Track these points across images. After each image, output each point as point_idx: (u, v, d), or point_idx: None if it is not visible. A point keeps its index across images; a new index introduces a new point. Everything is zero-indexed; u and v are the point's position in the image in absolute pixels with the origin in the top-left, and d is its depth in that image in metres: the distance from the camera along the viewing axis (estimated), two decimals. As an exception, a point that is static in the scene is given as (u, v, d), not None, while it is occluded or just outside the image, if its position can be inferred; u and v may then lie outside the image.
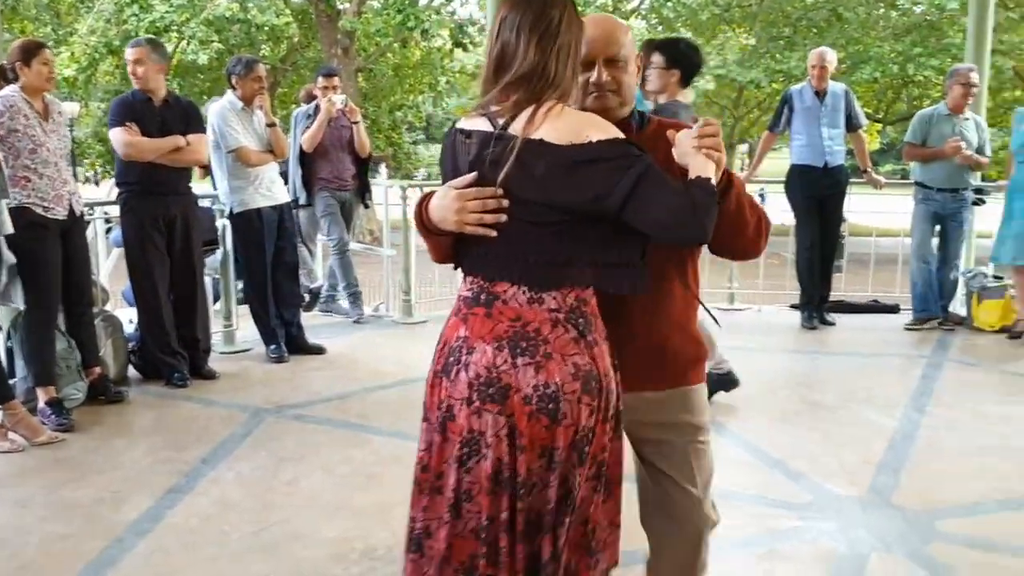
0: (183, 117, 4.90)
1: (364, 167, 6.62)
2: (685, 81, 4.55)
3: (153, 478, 3.68)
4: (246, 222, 5.36)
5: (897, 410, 4.55)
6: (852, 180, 6.69)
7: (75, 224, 4.46)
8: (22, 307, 4.30)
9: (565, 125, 1.73)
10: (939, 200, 6.32)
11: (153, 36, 6.61)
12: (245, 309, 5.77)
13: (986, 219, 6.95)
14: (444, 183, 1.89)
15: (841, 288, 7.20)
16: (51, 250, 4.27)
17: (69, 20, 19.10)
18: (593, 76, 1.97)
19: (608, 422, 1.86)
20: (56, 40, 17.57)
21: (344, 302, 6.68)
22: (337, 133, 6.41)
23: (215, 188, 5.71)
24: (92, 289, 4.72)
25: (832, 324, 6.52)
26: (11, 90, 4.22)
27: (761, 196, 11.22)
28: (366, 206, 6.91)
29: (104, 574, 2.92)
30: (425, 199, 1.93)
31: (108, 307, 5.33)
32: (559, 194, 1.73)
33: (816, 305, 6.51)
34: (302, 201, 6.38)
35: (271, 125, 5.39)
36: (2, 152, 4.11)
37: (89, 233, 5.17)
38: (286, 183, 6.03)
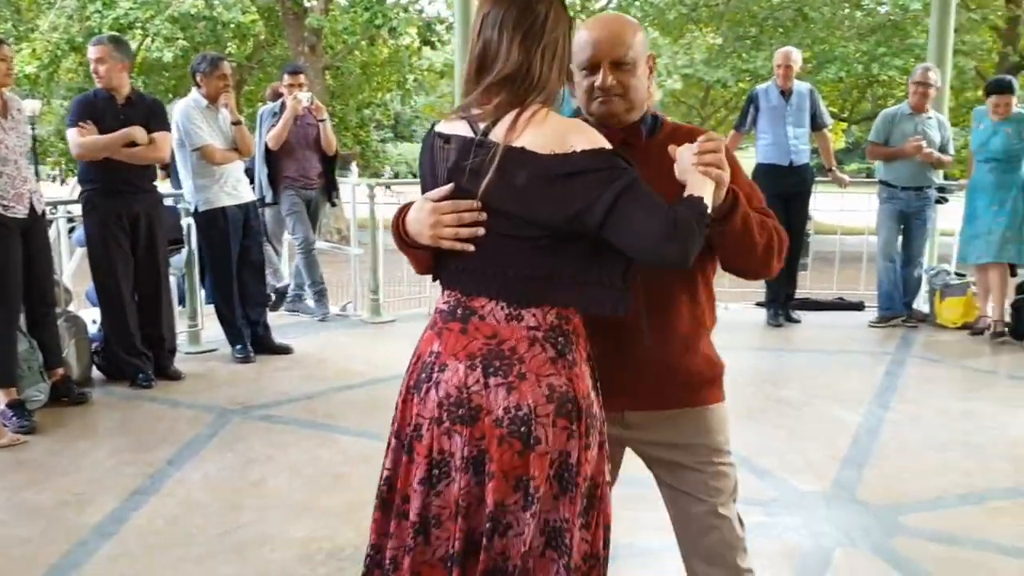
0: (147, 115, 4.85)
1: (331, 165, 6.60)
2: None
3: (117, 480, 3.64)
4: (211, 221, 5.32)
5: (861, 406, 4.60)
6: (817, 179, 6.77)
7: (36, 223, 4.39)
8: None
9: (549, 132, 1.64)
10: (903, 198, 6.40)
11: (116, 33, 6.53)
12: (211, 309, 5.73)
13: (949, 217, 7.05)
14: (423, 188, 1.81)
15: (806, 286, 7.28)
16: (12, 250, 4.21)
17: (30, 16, 18.81)
18: (598, 80, 1.88)
19: (590, 448, 1.73)
20: (17, 36, 17.29)
21: (311, 301, 6.64)
22: (303, 131, 6.38)
23: (176, 187, 5.66)
24: (55, 289, 4.66)
25: (797, 322, 6.59)
26: (-31, 87, 4.15)
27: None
28: (333, 204, 6.88)
29: (67, 578, 2.88)
30: (403, 211, 1.85)
31: (71, 308, 5.26)
32: (539, 208, 1.63)
33: (782, 303, 6.57)
34: (268, 200, 6.34)
35: (236, 123, 5.34)
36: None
37: (52, 232, 5.10)
38: (252, 182, 5.99)
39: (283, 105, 6.31)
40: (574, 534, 1.72)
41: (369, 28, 15.93)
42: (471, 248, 1.70)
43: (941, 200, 6.64)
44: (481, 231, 1.68)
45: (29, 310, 4.45)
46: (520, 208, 1.64)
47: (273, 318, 6.04)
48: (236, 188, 5.38)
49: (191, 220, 5.44)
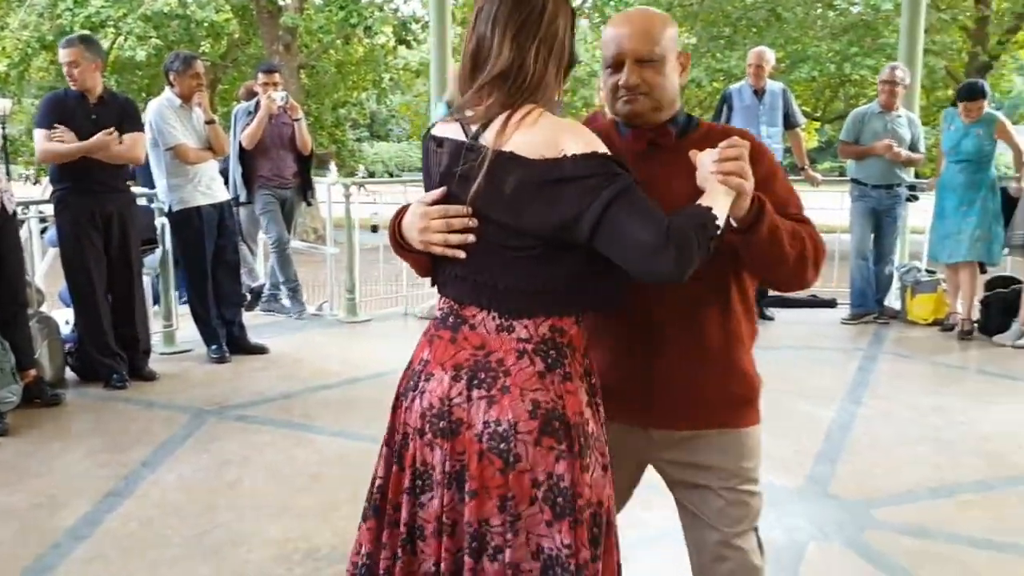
0: (119, 115, 4.81)
1: (306, 164, 6.58)
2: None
3: (91, 482, 3.61)
4: (185, 220, 5.29)
5: (834, 402, 4.65)
6: (790, 178, 6.80)
7: (7, 223, 4.35)
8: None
9: (540, 135, 1.54)
10: (874, 196, 6.47)
11: (87, 32, 6.46)
12: (185, 309, 5.70)
13: (920, 215, 7.13)
14: (426, 191, 1.75)
15: (780, 283, 7.32)
16: (-17, 250, 4.17)
17: (0, 14, 18.60)
18: (622, 78, 1.77)
19: (589, 471, 1.61)
20: (-14, 35, 17.10)
21: (286, 300, 6.62)
22: (278, 130, 6.36)
23: (147, 188, 5.63)
24: (27, 290, 4.62)
25: (771, 319, 6.64)
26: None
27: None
28: (308, 204, 6.87)
29: (41, 580, 2.87)
30: (400, 213, 1.77)
31: (44, 308, 5.22)
32: (528, 216, 1.54)
33: (755, 300, 6.61)
34: (242, 199, 6.32)
35: (210, 122, 5.32)
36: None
37: (23, 232, 5.05)
38: (226, 181, 5.96)
39: (257, 104, 6.29)
40: (583, 563, 1.58)
41: (344, 27, 15.85)
42: (462, 255, 1.63)
43: (912, 198, 6.72)
44: (471, 238, 1.61)
45: (0, 311, 4.41)
46: (509, 216, 1.56)
47: (248, 318, 6.01)
48: (210, 187, 5.36)
49: (165, 220, 5.40)
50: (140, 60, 16.37)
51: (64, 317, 5.16)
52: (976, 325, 6.18)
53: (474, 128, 1.61)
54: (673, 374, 1.84)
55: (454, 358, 1.63)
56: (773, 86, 6.56)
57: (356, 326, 6.46)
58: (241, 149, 6.27)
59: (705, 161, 1.63)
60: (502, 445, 1.56)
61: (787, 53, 16.36)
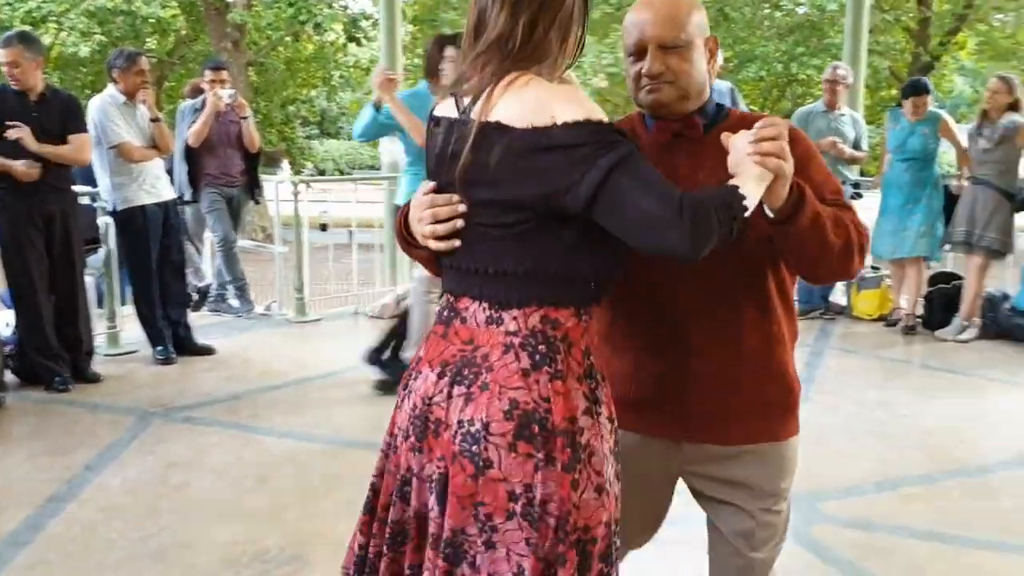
0: (62, 114, 4.72)
1: (253, 163, 6.51)
2: None
3: (33, 486, 3.53)
4: (130, 220, 5.20)
5: (782, 398, 4.70)
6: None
7: (-56, 223, 4.24)
8: None
9: (529, 102, 1.41)
10: (820, 194, 6.56)
11: (26, 29, 6.29)
12: (130, 309, 5.60)
13: (864, 213, 7.23)
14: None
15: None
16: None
17: (-63, 8, 18.13)
18: (645, 66, 1.65)
19: (579, 489, 1.43)
20: (-77, 29, 16.64)
21: (234, 300, 6.54)
22: (225, 128, 6.28)
23: (82, 184, 5.52)
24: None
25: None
26: None
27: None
28: (256, 202, 6.79)
29: (-21, 588, 2.80)
30: (407, 208, 1.65)
31: (-18, 310, 5.10)
32: (512, 187, 1.42)
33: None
34: (187, 198, 6.23)
35: (155, 120, 5.23)
36: None
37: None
38: (172, 180, 5.88)
39: (204, 102, 6.20)
40: None
41: (293, 24, 15.70)
42: (455, 243, 1.52)
43: (856, 196, 6.82)
44: (460, 224, 1.50)
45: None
46: (495, 191, 1.44)
47: (195, 318, 5.93)
48: (155, 186, 5.27)
49: (109, 219, 5.30)
50: (83, 56, 16.07)
51: (4, 319, 5.05)
52: (919, 320, 6.30)
53: (466, 101, 1.49)
54: (709, 380, 1.70)
55: (442, 354, 1.52)
56: (721, 85, 6.61)
57: (305, 326, 6.40)
58: (187, 147, 6.18)
59: (739, 143, 1.49)
60: (473, 447, 1.42)
61: (735, 53, 16.56)
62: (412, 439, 1.51)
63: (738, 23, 17.43)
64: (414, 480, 1.51)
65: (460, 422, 1.44)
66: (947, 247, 6.32)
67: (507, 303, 1.47)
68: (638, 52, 1.67)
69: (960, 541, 3.16)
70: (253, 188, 6.57)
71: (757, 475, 1.77)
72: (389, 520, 1.56)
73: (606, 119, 1.41)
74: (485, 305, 1.49)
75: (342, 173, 22.22)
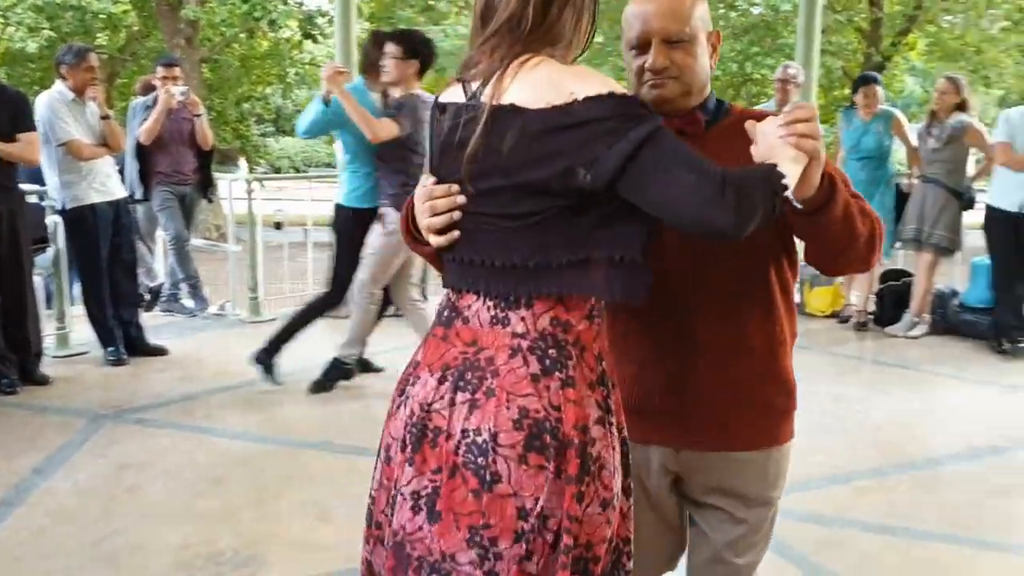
0: (11, 111, 4.62)
1: (206, 161, 6.44)
2: (420, 74, 4.59)
3: (-22, 491, 3.47)
4: (79, 219, 5.10)
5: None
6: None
7: None
8: None
9: (543, 81, 1.32)
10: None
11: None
12: (80, 310, 5.50)
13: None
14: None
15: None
16: None
17: None
18: (648, 60, 1.59)
19: (585, 502, 1.33)
20: None
21: (187, 300, 6.45)
22: (177, 126, 6.20)
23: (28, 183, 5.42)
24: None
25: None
26: None
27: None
28: (209, 200, 6.71)
29: (-78, 596, 2.74)
30: (411, 200, 1.58)
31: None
32: (528, 172, 1.32)
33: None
34: (138, 196, 6.14)
35: (105, 117, 5.14)
36: None
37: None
38: (123, 178, 5.78)
39: (156, 99, 6.11)
40: None
41: (248, 20, 15.52)
42: (455, 235, 1.43)
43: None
44: (457, 215, 1.42)
45: None
46: (506, 178, 1.34)
47: (147, 319, 5.87)
48: (105, 184, 5.18)
49: (57, 218, 5.21)
50: (31, 52, 15.75)
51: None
52: (871, 317, 6.40)
53: (475, 86, 1.41)
54: (712, 381, 1.65)
55: (443, 358, 1.41)
56: (676, 84, 6.66)
57: (260, 326, 6.31)
58: (138, 145, 6.09)
59: (768, 129, 1.41)
60: (479, 460, 1.31)
61: (691, 52, 16.64)
62: (409, 450, 1.39)
63: (694, 23, 17.56)
64: (398, 497, 1.40)
65: (465, 431, 1.33)
66: (898, 244, 6.42)
67: (514, 301, 1.37)
68: (641, 45, 1.61)
69: (910, 534, 3.21)
70: (206, 186, 6.51)
71: (754, 483, 1.73)
72: (384, 539, 1.47)
73: (630, 93, 1.33)
74: (490, 304, 1.39)
75: (298, 171, 22.03)
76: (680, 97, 1.62)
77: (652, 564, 1.80)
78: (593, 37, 1.48)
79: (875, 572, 2.97)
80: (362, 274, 4.59)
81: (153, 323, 5.96)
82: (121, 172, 5.75)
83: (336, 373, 4.71)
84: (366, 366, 4.96)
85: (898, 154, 7.08)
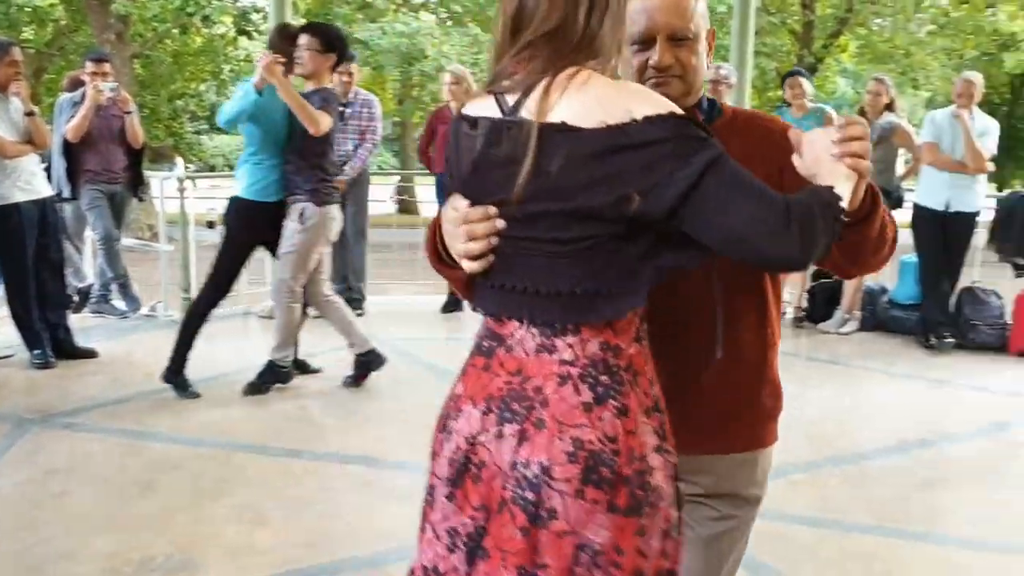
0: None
1: (137, 159, 6.30)
2: (333, 69, 4.59)
3: None
4: (3, 217, 4.94)
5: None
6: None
7: None
8: None
9: (596, 99, 1.24)
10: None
11: None
12: (4, 311, 5.34)
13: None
14: (449, 188, 1.47)
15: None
16: None
17: None
18: (653, 58, 1.54)
19: (647, 536, 1.27)
20: None
21: (117, 301, 6.31)
22: (106, 123, 6.05)
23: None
24: None
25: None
26: None
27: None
28: (140, 199, 6.57)
29: None
30: (438, 220, 1.47)
31: None
32: (583, 197, 1.23)
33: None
34: (66, 195, 5.98)
35: (29, 114, 5.00)
36: None
37: None
38: (50, 176, 5.63)
39: (84, 95, 5.96)
40: None
41: (181, 16, 15.25)
42: (491, 260, 1.35)
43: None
44: (495, 240, 1.33)
45: None
46: (555, 202, 1.26)
47: (76, 320, 5.70)
48: (30, 183, 5.04)
49: (-20, 217, 5.05)
50: (-46, 46, 15.24)
51: None
52: (804, 314, 6.52)
53: (511, 100, 1.32)
54: (710, 388, 1.63)
55: (486, 388, 1.33)
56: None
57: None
58: (66, 142, 5.93)
59: (816, 141, 1.36)
60: (528, 494, 1.23)
61: (628, 53, 16.78)
62: (450, 484, 1.33)
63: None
64: (428, 530, 1.35)
65: (514, 464, 1.25)
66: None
67: (561, 328, 1.30)
68: (645, 41, 1.55)
69: (840, 526, 3.28)
70: (137, 185, 6.36)
71: (746, 483, 1.73)
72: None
73: (687, 115, 1.27)
74: (535, 331, 1.31)
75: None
76: (682, 96, 1.57)
77: None
78: (620, 51, 1.40)
79: (811, 565, 3.02)
80: (282, 273, 4.54)
81: (82, 325, 5.81)
82: (48, 170, 5.61)
83: (271, 376, 4.65)
84: (303, 367, 4.90)
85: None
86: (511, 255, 1.33)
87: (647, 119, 1.21)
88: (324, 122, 4.35)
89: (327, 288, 4.85)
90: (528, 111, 1.27)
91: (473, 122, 1.36)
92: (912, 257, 6.22)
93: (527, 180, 1.26)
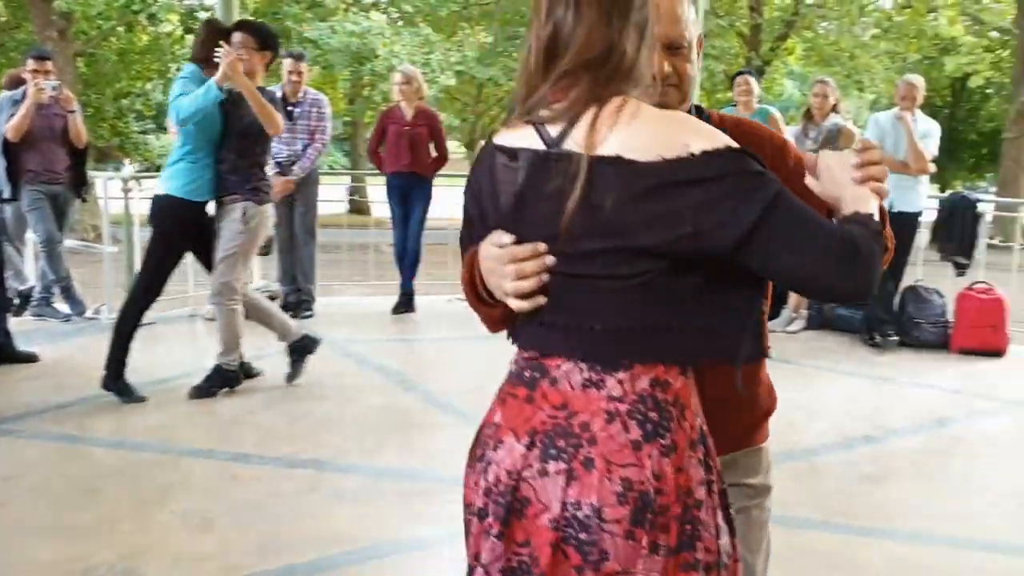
0: None
1: (80, 159, 6.19)
2: (267, 67, 4.58)
3: None
4: (-61, 219, 4.83)
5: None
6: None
7: None
8: None
9: (650, 131, 1.21)
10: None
11: None
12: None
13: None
14: (473, 221, 1.43)
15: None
16: None
17: None
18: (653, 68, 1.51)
19: (685, 570, 1.27)
20: None
21: (60, 305, 6.18)
22: (48, 122, 5.95)
23: None
24: None
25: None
26: None
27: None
28: (83, 200, 6.45)
29: None
30: (474, 257, 1.41)
31: None
32: (636, 234, 1.21)
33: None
34: (6, 195, 5.86)
35: (-33, 112, 4.88)
36: None
37: None
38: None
39: (25, 93, 5.83)
40: None
41: (126, 13, 15.01)
42: (541, 301, 1.30)
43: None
44: (546, 277, 1.29)
45: None
46: (610, 239, 1.23)
47: (16, 324, 5.58)
48: (-32, 183, 4.92)
49: (-85, 218, 4.92)
50: None
51: None
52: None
53: (554, 131, 1.28)
54: (713, 391, 1.59)
55: (529, 421, 1.30)
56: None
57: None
58: (6, 142, 5.82)
59: (835, 165, 1.37)
60: (582, 535, 1.23)
61: (579, 54, 16.86)
62: (489, 520, 1.30)
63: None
64: (479, 571, 1.32)
65: (564, 505, 1.24)
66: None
67: (612, 364, 1.27)
68: None
69: (791, 522, 3.30)
70: (80, 185, 6.25)
71: (755, 475, 1.83)
72: None
73: (741, 147, 1.25)
74: (583, 366, 1.28)
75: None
76: (677, 105, 1.56)
77: None
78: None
79: (756, 562, 3.04)
80: (226, 275, 4.47)
81: (23, 329, 5.68)
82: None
83: (218, 379, 4.59)
84: (247, 372, 4.83)
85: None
86: (559, 291, 1.30)
87: (705, 153, 1.20)
88: (282, 122, 4.35)
89: (246, 287, 4.82)
90: (575, 143, 1.24)
91: (512, 153, 1.32)
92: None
93: (574, 214, 1.23)
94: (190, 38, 17.71)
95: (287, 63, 6.37)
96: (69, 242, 6.36)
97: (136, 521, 3.20)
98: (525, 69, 1.33)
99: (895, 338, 6.09)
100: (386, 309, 6.79)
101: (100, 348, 5.27)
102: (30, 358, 5.17)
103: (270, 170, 5.61)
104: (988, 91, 21.34)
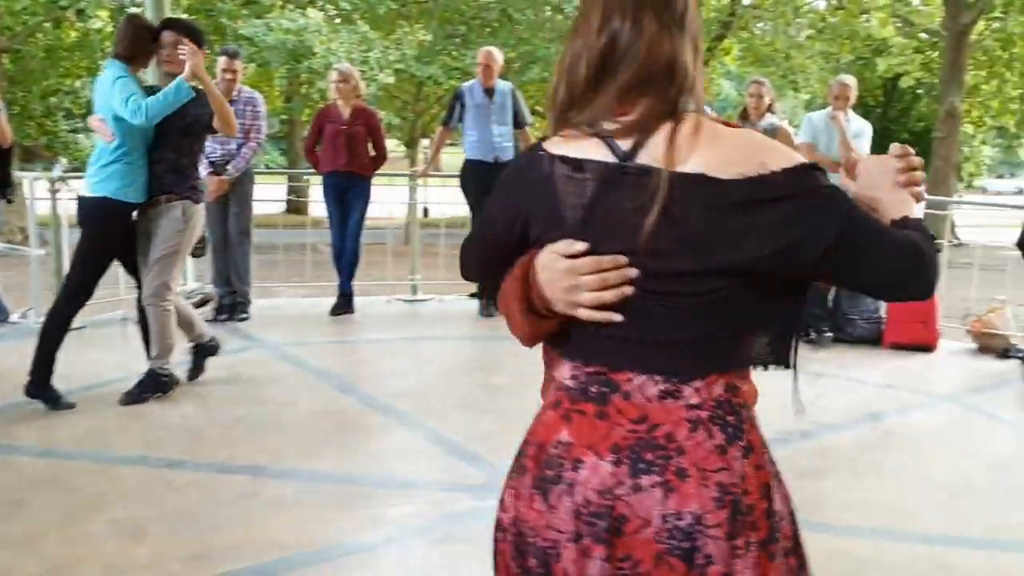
0: None
1: (5, 159, 6.00)
2: None
3: None
4: None
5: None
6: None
7: None
8: None
9: (728, 149, 1.25)
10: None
11: None
12: None
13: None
14: (510, 230, 1.40)
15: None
16: None
17: None
18: None
19: (775, 560, 1.32)
20: None
21: (-16, 309, 6.00)
22: (-30, 120, 5.74)
23: None
24: None
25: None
26: None
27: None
28: (9, 201, 6.26)
29: None
30: (526, 270, 1.36)
31: None
32: (722, 252, 1.24)
33: (492, 294, 6.76)
34: (-74, 196, 5.65)
35: None
36: None
37: None
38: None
39: (-56, 90, 5.64)
40: None
41: (53, 9, 14.64)
42: (616, 318, 1.30)
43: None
44: (629, 290, 1.29)
45: None
46: (694, 254, 1.25)
47: (-61, 329, 5.39)
48: None
49: None
50: None
51: None
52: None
53: (623, 145, 1.29)
54: None
55: (608, 438, 1.29)
56: (503, 86, 6.72)
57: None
58: (-75, 140, 5.60)
59: (875, 170, 1.43)
60: (684, 544, 1.26)
61: (519, 54, 16.90)
62: (587, 541, 1.29)
63: (522, 24, 17.81)
64: None
65: (665, 517, 1.26)
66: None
67: (688, 375, 1.30)
68: None
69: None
70: (5, 186, 6.06)
71: None
72: None
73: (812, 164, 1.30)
74: (658, 378, 1.29)
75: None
76: None
77: None
78: None
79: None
80: (163, 275, 4.39)
81: (-55, 334, 5.50)
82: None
83: (151, 384, 4.48)
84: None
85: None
86: (633, 305, 1.30)
87: (785, 170, 1.24)
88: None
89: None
90: (651, 158, 1.26)
91: (577, 165, 1.31)
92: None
93: (655, 229, 1.24)
94: (121, 35, 17.35)
95: (221, 61, 6.25)
96: (-8, 244, 6.17)
97: (65, 532, 3.11)
98: (569, 78, 1.33)
99: (830, 334, 6.20)
100: (324, 310, 6.71)
101: (26, 353, 5.12)
102: (-48, 364, 5.00)
103: (203, 170, 5.52)
104: (918, 91, 21.82)
